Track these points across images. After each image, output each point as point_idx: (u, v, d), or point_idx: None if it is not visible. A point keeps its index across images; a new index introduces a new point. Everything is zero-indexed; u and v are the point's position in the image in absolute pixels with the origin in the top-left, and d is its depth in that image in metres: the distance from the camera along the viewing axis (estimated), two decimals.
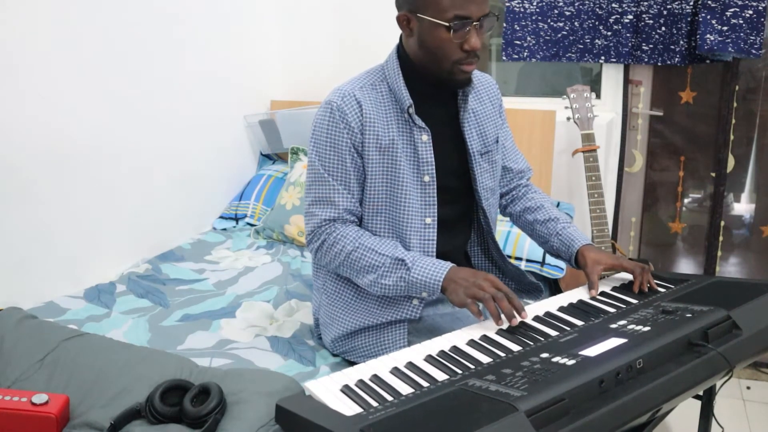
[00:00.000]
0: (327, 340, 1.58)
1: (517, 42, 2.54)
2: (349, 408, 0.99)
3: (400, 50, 1.45)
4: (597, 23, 2.43)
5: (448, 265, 1.37)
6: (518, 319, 1.24)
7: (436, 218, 1.46)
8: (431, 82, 1.42)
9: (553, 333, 1.21)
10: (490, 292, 1.27)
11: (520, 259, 2.17)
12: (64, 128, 1.99)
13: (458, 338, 1.22)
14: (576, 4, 2.44)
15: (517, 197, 1.68)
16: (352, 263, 1.43)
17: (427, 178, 1.44)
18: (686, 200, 2.64)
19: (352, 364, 1.48)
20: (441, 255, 1.49)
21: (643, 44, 2.39)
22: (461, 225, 1.58)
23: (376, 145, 1.42)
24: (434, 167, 1.44)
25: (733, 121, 2.44)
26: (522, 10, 2.51)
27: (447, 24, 1.30)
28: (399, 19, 1.39)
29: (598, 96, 2.59)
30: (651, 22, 2.36)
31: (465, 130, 1.49)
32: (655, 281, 1.42)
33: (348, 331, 1.50)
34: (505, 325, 1.25)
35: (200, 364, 1.42)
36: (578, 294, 1.41)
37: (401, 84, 1.42)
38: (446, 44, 1.33)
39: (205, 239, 2.51)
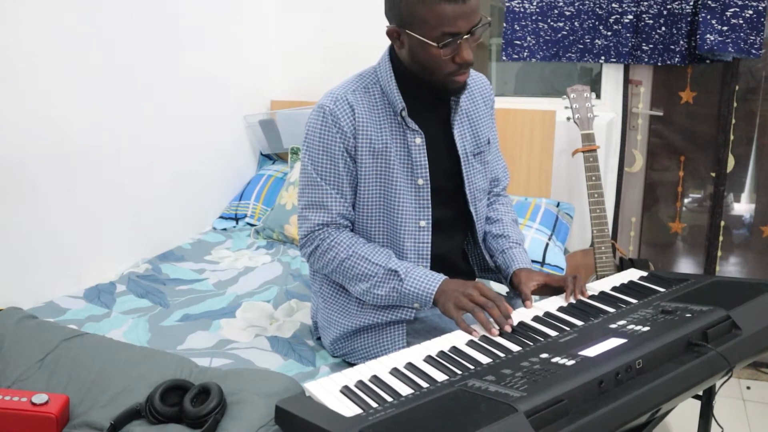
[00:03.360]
0: (326, 343, 1.58)
1: (517, 42, 2.54)
2: (348, 409, 0.99)
3: (392, 53, 1.44)
4: (597, 23, 2.43)
5: (441, 277, 1.38)
6: (510, 325, 1.23)
7: (430, 221, 1.46)
8: (423, 86, 1.41)
9: (553, 333, 1.20)
10: (478, 301, 1.28)
11: None
12: (64, 128, 1.99)
13: (458, 339, 1.22)
14: (576, 4, 2.44)
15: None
16: (345, 271, 1.43)
17: (420, 182, 1.44)
18: (686, 200, 2.64)
19: (352, 365, 1.48)
20: (438, 257, 1.49)
21: (643, 44, 2.39)
22: (456, 227, 1.57)
23: (369, 148, 1.42)
24: (428, 170, 1.44)
25: (733, 121, 2.44)
26: (522, 10, 2.51)
27: (436, 43, 1.28)
28: (389, 33, 1.37)
29: (598, 96, 2.59)
30: (651, 22, 2.36)
31: (455, 132, 1.48)
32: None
33: (345, 333, 1.50)
34: (496, 332, 1.23)
35: (200, 364, 1.43)
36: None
37: (394, 87, 1.41)
38: (437, 60, 1.31)
39: (205, 239, 2.51)
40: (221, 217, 2.71)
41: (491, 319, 1.25)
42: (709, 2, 2.21)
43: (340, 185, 1.44)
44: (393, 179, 1.43)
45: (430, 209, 1.46)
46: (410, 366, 1.13)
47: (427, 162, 1.44)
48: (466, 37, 1.29)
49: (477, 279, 1.65)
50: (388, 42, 1.47)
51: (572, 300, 1.37)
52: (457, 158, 1.50)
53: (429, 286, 1.37)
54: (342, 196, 1.44)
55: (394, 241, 1.46)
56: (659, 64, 2.40)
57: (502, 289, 1.71)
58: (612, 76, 2.55)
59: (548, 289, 1.45)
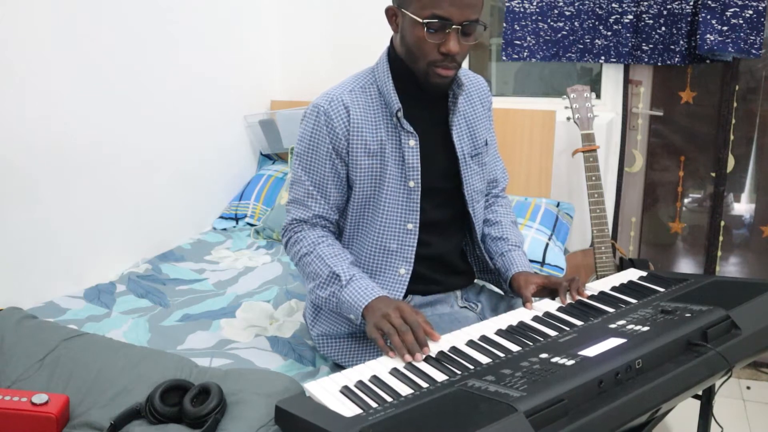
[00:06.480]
0: (314, 338, 1.57)
1: (517, 42, 2.54)
2: (348, 409, 0.99)
3: (391, 51, 1.44)
4: (597, 23, 2.43)
5: (378, 293, 1.33)
6: (421, 355, 1.16)
7: (418, 224, 1.45)
8: (420, 85, 1.40)
9: (552, 333, 1.21)
10: (395, 324, 1.21)
11: None
12: (64, 128, 1.99)
13: (457, 339, 1.22)
14: (576, 4, 2.44)
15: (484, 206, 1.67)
16: (302, 267, 1.45)
17: (411, 184, 1.43)
18: (686, 200, 2.64)
19: (342, 368, 1.48)
20: (436, 257, 1.49)
21: (643, 44, 2.39)
22: (454, 227, 1.56)
23: (364, 150, 1.41)
24: (420, 173, 1.43)
25: (733, 121, 2.44)
26: (522, 10, 2.51)
27: (423, 21, 1.28)
28: (387, 12, 1.38)
29: (598, 96, 2.59)
30: (651, 22, 2.36)
31: (453, 133, 1.48)
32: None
33: (324, 332, 1.51)
34: (409, 359, 1.16)
35: (200, 364, 1.43)
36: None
37: (390, 87, 1.40)
38: (422, 43, 1.30)
39: (205, 239, 2.51)
40: (221, 217, 2.71)
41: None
42: (709, 2, 2.21)
43: (324, 186, 1.44)
44: (385, 180, 1.42)
45: (419, 212, 1.45)
46: (410, 366, 1.13)
47: (419, 164, 1.42)
48: (455, 27, 1.28)
49: (476, 280, 1.65)
50: (387, 42, 1.47)
51: (569, 301, 1.36)
52: (455, 159, 1.49)
53: (362, 299, 1.32)
54: (323, 197, 1.44)
55: (381, 242, 1.46)
56: (659, 64, 2.40)
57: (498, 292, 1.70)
58: (612, 76, 2.55)
59: (547, 291, 1.45)
